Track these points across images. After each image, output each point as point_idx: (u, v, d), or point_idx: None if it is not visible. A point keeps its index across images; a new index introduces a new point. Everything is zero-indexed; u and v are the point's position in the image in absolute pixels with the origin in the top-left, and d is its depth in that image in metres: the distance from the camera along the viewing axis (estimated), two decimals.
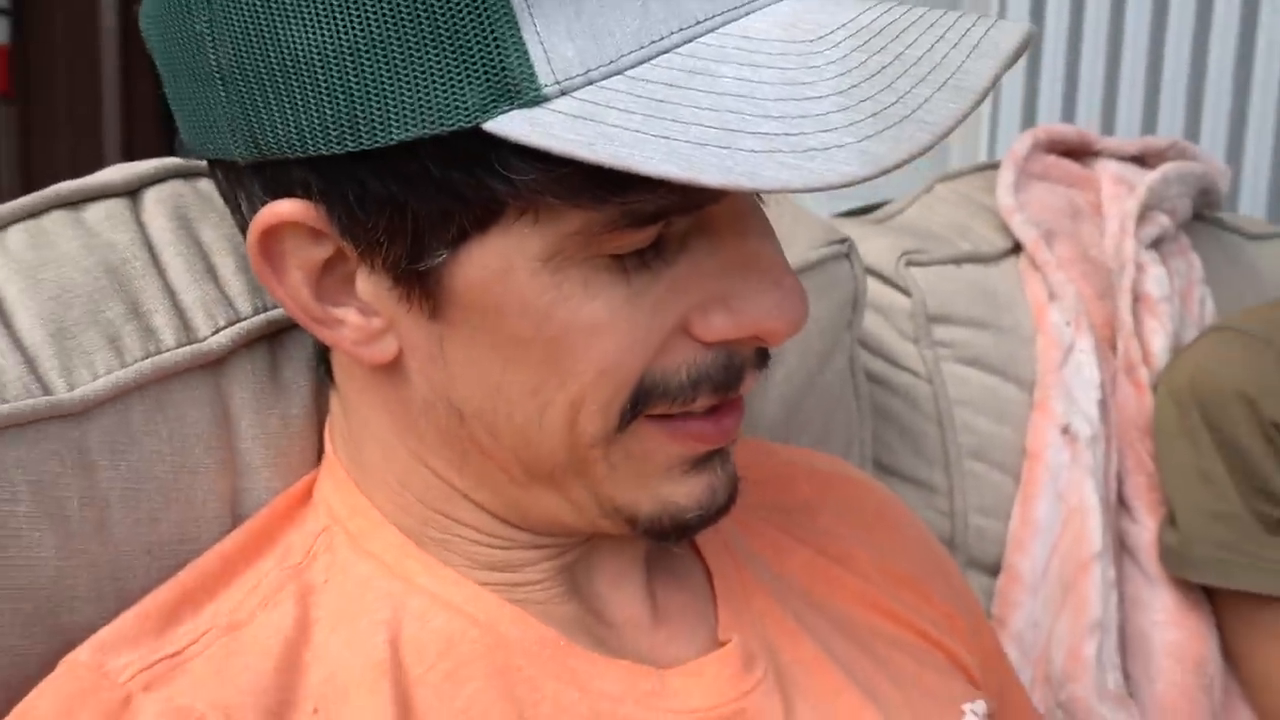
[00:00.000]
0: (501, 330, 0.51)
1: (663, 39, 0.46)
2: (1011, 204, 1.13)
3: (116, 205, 0.64)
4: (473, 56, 0.46)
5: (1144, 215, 1.15)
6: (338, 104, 0.48)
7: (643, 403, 0.52)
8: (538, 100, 0.46)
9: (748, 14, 0.48)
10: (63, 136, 3.44)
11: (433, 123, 0.46)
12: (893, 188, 1.23)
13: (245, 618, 0.54)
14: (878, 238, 1.07)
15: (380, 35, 0.46)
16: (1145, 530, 1.07)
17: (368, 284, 0.53)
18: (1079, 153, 1.23)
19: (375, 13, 0.46)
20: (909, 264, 1.06)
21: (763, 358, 0.56)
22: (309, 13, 0.47)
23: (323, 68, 0.47)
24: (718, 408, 0.54)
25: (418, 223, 0.49)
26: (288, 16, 0.47)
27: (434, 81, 0.46)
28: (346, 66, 0.47)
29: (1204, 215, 1.28)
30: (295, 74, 0.48)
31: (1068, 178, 1.20)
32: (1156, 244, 1.16)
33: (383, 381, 0.57)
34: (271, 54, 0.48)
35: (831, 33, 0.47)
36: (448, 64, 0.46)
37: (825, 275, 0.93)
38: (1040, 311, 1.09)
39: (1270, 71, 2.04)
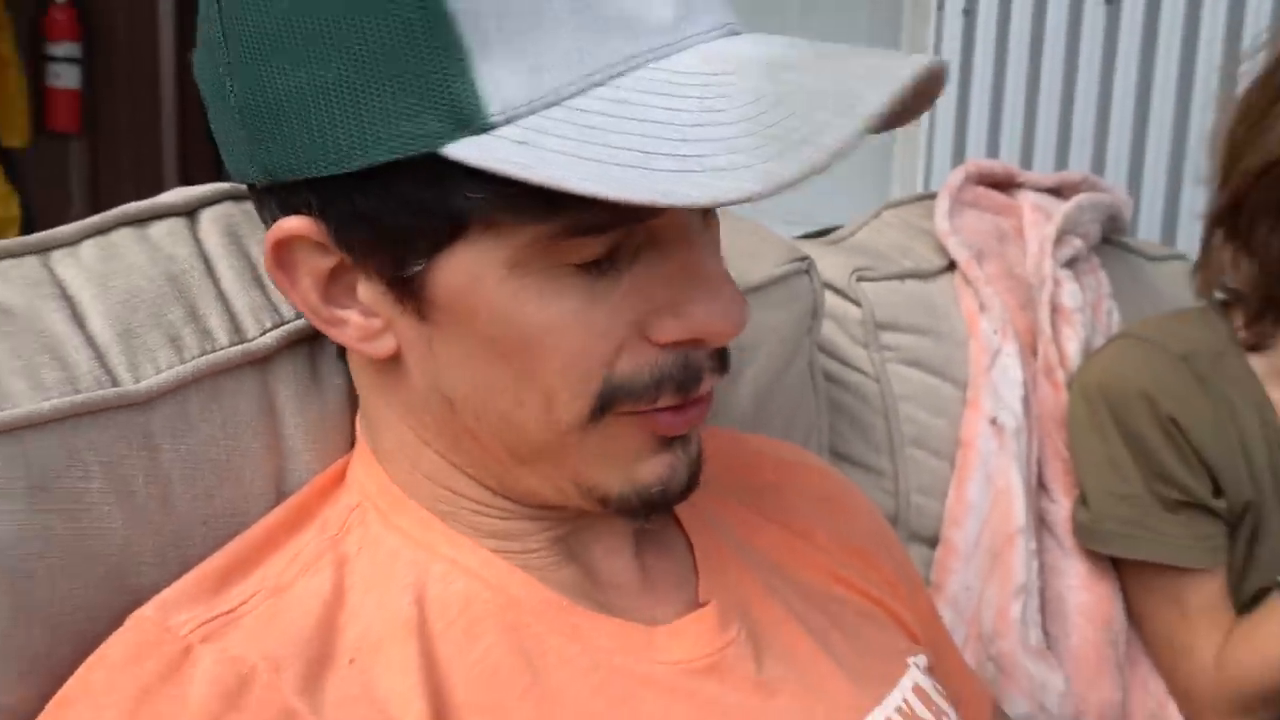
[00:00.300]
0: (478, 331, 0.51)
1: (596, 73, 0.46)
2: (947, 228, 1.13)
3: (176, 223, 0.64)
4: (432, 92, 0.47)
5: (1060, 239, 1.15)
6: (324, 133, 0.49)
7: (611, 403, 0.52)
8: (486, 128, 0.46)
9: (677, 52, 0.48)
10: (127, 168, 3.45)
11: (399, 148, 0.47)
12: (845, 215, 1.23)
13: (288, 582, 0.54)
14: (833, 257, 1.07)
15: (355, 76, 0.47)
16: (1061, 509, 1.07)
17: (367, 289, 0.53)
18: (1004, 184, 1.23)
19: (351, 56, 0.47)
20: (860, 279, 1.06)
21: (722, 363, 0.55)
22: (297, 58, 0.48)
23: (311, 103, 0.48)
24: (684, 404, 0.54)
25: (396, 236, 0.50)
26: (281, 62, 0.49)
27: (400, 113, 0.47)
28: (329, 101, 0.48)
29: (1110, 239, 1.29)
30: (290, 109, 0.49)
31: (994, 206, 1.20)
32: (1071, 263, 1.17)
33: (388, 375, 0.57)
34: (269, 93, 0.49)
35: (747, 65, 0.47)
36: (411, 99, 0.47)
37: (789, 288, 0.93)
38: (972, 320, 1.09)
39: (1164, 117, 2.05)
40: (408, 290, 0.52)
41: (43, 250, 0.60)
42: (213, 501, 0.59)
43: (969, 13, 2.24)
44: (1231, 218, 1.02)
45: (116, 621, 0.52)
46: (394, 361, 0.55)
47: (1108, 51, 2.11)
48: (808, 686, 0.61)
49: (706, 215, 0.53)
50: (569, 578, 0.58)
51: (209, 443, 0.59)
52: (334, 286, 0.54)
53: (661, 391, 0.52)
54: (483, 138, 0.46)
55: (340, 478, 0.61)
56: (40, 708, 0.50)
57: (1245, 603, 1.01)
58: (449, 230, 0.49)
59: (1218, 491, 1.00)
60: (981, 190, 1.20)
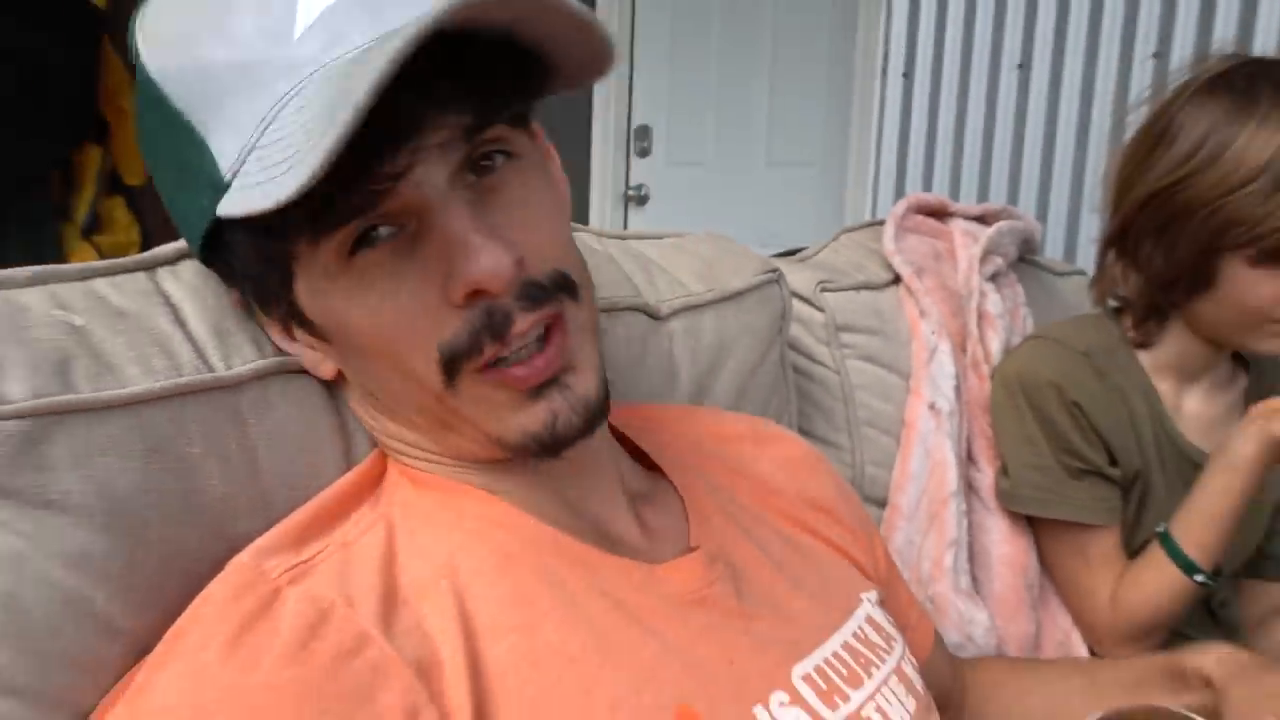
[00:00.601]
0: (347, 338, 0.52)
1: (265, 115, 0.46)
2: (892, 249, 1.12)
3: None
4: (198, 174, 0.49)
5: (984, 258, 1.15)
6: (181, 222, 0.54)
7: (454, 364, 0.50)
8: (225, 187, 0.47)
9: (323, 78, 0.46)
10: None
11: (201, 222, 0.50)
12: (808, 238, 1.22)
13: (353, 540, 0.53)
14: (801, 272, 1.07)
15: (171, 178, 0.52)
16: (986, 477, 1.06)
17: (297, 330, 0.55)
18: (938, 213, 1.22)
19: (165, 165, 0.52)
20: (823, 290, 1.06)
21: (531, 299, 0.50)
22: (155, 172, 0.54)
23: (169, 201, 0.54)
24: (532, 354, 0.51)
25: (256, 282, 0.54)
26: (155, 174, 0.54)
27: (192, 196, 0.50)
28: (171, 200, 0.53)
29: (1025, 258, 1.28)
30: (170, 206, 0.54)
31: (931, 231, 1.19)
32: (993, 278, 1.16)
33: (349, 386, 0.60)
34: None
35: (335, 77, 0.45)
36: (193, 182, 0.49)
37: (763, 295, 0.92)
38: (914, 324, 1.08)
39: (1065, 159, 2.06)
40: (302, 322, 0.54)
41: (150, 267, 0.60)
42: (293, 467, 0.58)
43: (907, 75, 2.24)
44: (1121, 239, 1.01)
45: (217, 563, 0.51)
46: (343, 375, 0.58)
47: (1020, 106, 2.12)
48: (779, 613, 0.61)
49: (469, 179, 0.49)
50: (578, 526, 0.58)
51: (287, 420, 0.58)
52: (285, 333, 0.56)
53: (482, 341, 0.49)
54: (227, 194, 0.47)
55: (384, 457, 0.61)
56: (155, 635, 0.49)
57: (1135, 552, 1.01)
58: (280, 263, 0.50)
59: (1113, 462, 1.00)
60: (920, 218, 1.19)
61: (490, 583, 0.52)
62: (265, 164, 0.45)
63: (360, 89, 0.39)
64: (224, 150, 0.47)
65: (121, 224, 2.46)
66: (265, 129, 0.46)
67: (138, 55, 0.51)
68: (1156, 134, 0.96)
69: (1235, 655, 0.74)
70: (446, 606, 0.50)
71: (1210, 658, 0.74)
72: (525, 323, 0.50)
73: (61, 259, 0.98)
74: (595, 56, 0.51)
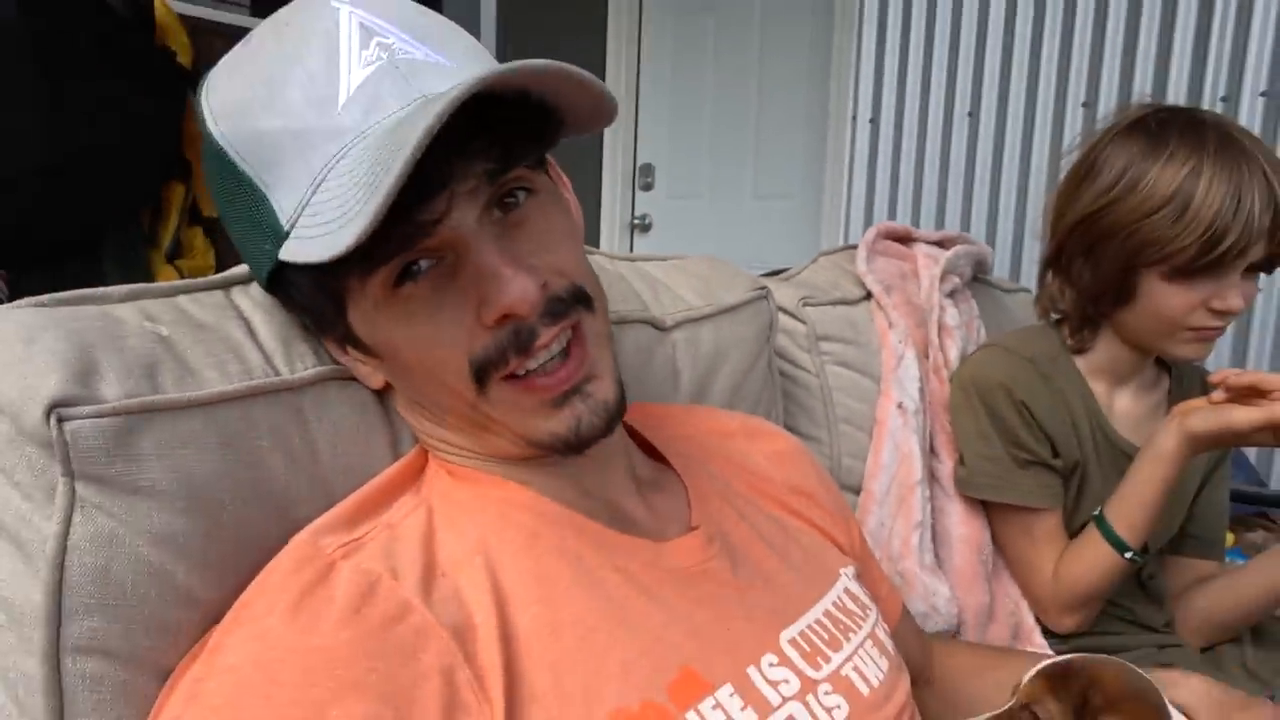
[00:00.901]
0: (393, 355, 0.52)
1: (317, 175, 0.47)
2: (865, 269, 1.11)
3: None
4: (262, 225, 0.49)
5: (944, 277, 1.14)
6: (250, 262, 0.54)
7: (484, 374, 0.50)
8: (287, 235, 0.48)
9: (362, 141, 0.46)
10: None
11: (267, 263, 0.50)
12: (790, 260, 1.22)
13: (397, 522, 0.52)
14: (786, 289, 1.06)
15: (241, 228, 0.51)
16: (946, 467, 1.05)
17: (350, 349, 0.55)
18: (903, 239, 1.22)
19: (236, 216, 0.51)
20: (805, 305, 1.04)
21: (554, 315, 0.50)
22: (227, 220, 0.53)
23: (240, 245, 0.53)
24: (558, 365, 0.51)
25: (313, 311, 0.54)
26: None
27: (259, 242, 0.50)
28: (241, 244, 0.53)
29: (978, 277, 1.27)
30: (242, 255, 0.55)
31: (898, 254, 1.18)
32: (951, 294, 1.15)
33: (396, 392, 0.59)
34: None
35: (383, 137, 0.45)
36: (259, 233, 0.49)
37: (754, 309, 0.91)
38: (884, 334, 1.07)
39: (1010, 191, 2.06)
40: (355, 343, 0.53)
41: (225, 286, 0.60)
42: (349, 458, 0.57)
43: (873, 121, 2.24)
44: (1056, 260, 1.01)
45: (282, 541, 0.51)
46: (390, 385, 0.58)
47: (970, 148, 2.12)
48: (769, 585, 0.60)
49: (495, 215, 0.50)
50: (595, 510, 0.57)
51: (343, 418, 0.58)
52: (340, 349, 0.56)
53: (509, 356, 0.50)
54: (288, 243, 0.48)
55: (426, 452, 0.60)
56: (228, 605, 0.49)
57: (1075, 532, 1.00)
58: (335, 297, 0.50)
59: (1055, 454, 0.99)
60: (888, 243, 1.18)
61: (517, 559, 0.51)
62: (320, 219, 0.45)
63: (399, 159, 0.41)
64: (283, 205, 0.48)
65: (200, 250, 2.47)
66: (318, 187, 0.46)
67: (204, 123, 0.51)
68: (1084, 169, 0.96)
69: (1210, 689, 0.69)
70: (480, 579, 0.49)
71: (1183, 691, 0.69)
72: (548, 336, 0.50)
73: (150, 280, 0.98)
74: (599, 110, 0.51)
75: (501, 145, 0.48)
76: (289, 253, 0.47)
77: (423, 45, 0.49)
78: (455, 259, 0.49)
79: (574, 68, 0.46)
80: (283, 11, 0.50)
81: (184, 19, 1.97)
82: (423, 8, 0.52)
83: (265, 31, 0.50)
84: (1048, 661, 0.55)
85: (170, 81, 1.90)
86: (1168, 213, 0.88)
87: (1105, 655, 0.55)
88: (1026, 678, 0.54)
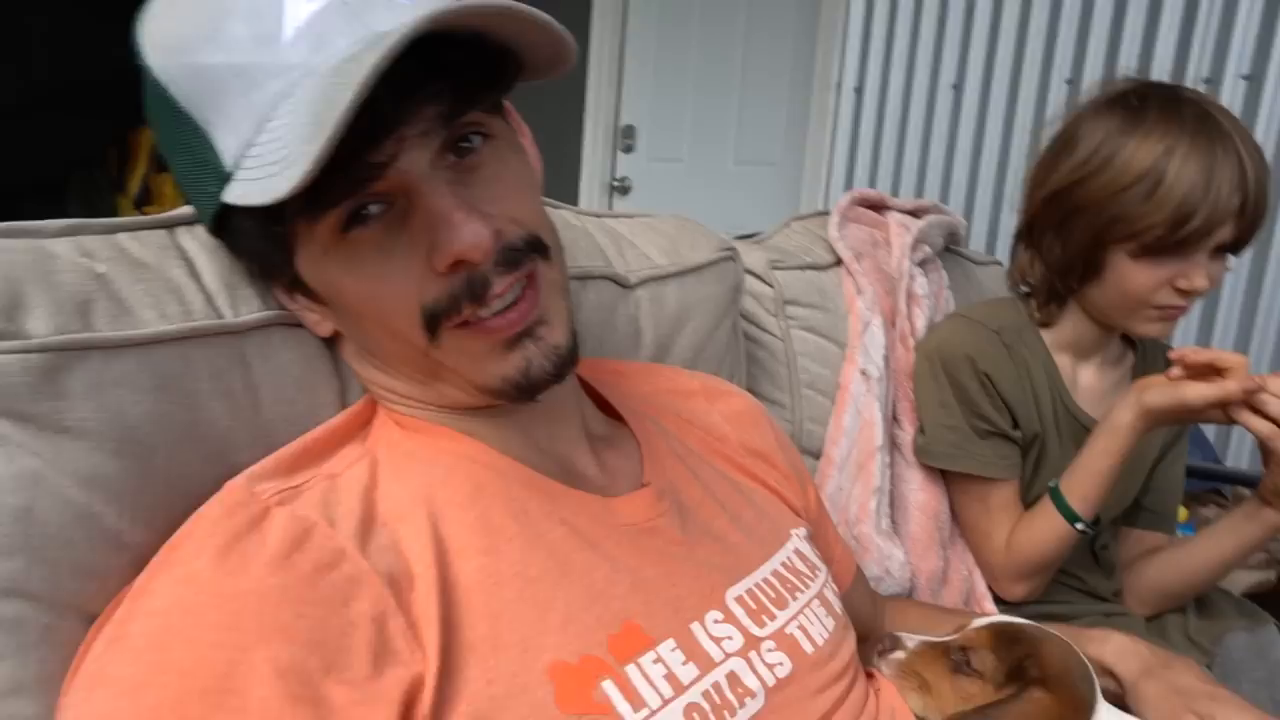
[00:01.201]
0: (342, 301, 0.50)
1: (263, 113, 0.45)
2: (836, 235, 1.10)
3: None
4: (206, 165, 0.47)
5: (915, 246, 1.13)
6: (195, 203, 0.51)
7: (436, 321, 0.48)
8: (229, 177, 0.46)
9: (308, 78, 0.44)
10: None
11: (211, 204, 0.48)
12: (764, 224, 1.20)
13: (339, 472, 0.51)
14: (755, 252, 1.04)
15: (182, 164, 0.49)
16: (907, 435, 1.05)
17: (298, 295, 0.53)
18: (877, 206, 1.20)
19: (176, 150, 0.49)
20: (773, 268, 1.03)
21: (509, 263, 0.49)
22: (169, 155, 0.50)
23: (183, 188, 0.50)
24: (508, 308, 0.50)
25: (261, 256, 0.52)
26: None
27: (203, 182, 0.47)
28: (183, 182, 0.50)
29: (950, 248, 1.26)
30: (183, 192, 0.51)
31: (870, 221, 1.17)
32: (922, 264, 1.14)
33: (346, 341, 0.57)
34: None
35: (330, 75, 0.43)
36: (202, 172, 0.47)
37: (719, 270, 0.90)
38: (851, 300, 1.06)
39: (990, 165, 2.05)
40: (303, 288, 0.52)
41: (170, 226, 0.57)
42: (293, 406, 0.56)
43: (858, 90, 2.22)
44: (1029, 232, 1.01)
45: (219, 486, 0.49)
46: (339, 334, 0.56)
47: (953, 120, 2.11)
48: (719, 543, 0.60)
49: (449, 160, 0.48)
50: (544, 463, 0.56)
51: (288, 364, 0.56)
52: (288, 295, 0.54)
53: (463, 304, 0.48)
54: (230, 185, 0.46)
55: (374, 402, 0.58)
56: (156, 551, 0.47)
57: (1031, 504, 1.00)
58: (281, 241, 0.48)
59: (1015, 425, 0.99)
60: (861, 209, 1.17)
61: (462, 510, 0.50)
62: (263, 161, 0.43)
63: (344, 98, 0.39)
64: (226, 145, 0.46)
65: (170, 197, 2.41)
66: (261, 127, 0.44)
67: (143, 54, 0.48)
68: (1062, 142, 0.95)
69: (1135, 647, 0.71)
70: (422, 530, 0.49)
71: (1109, 647, 0.71)
72: (502, 285, 0.49)
73: None
74: (558, 55, 0.49)
75: (455, 87, 0.46)
76: (232, 195, 0.45)
77: None
78: (406, 204, 0.47)
79: (530, 9, 0.44)
80: None
81: None
82: None
83: None
84: (1001, 618, 0.55)
85: (138, 15, 1.84)
86: (1138, 190, 0.88)
87: (1056, 633, 0.55)
88: (974, 624, 0.54)
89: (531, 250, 0.51)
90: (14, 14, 1.56)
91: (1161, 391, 0.88)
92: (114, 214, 1.98)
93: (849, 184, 2.21)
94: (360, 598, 0.44)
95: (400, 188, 0.46)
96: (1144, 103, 0.90)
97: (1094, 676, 0.52)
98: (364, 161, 0.44)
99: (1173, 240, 0.88)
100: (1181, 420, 0.93)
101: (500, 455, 0.54)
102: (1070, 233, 0.94)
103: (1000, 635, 0.54)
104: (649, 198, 2.84)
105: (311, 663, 0.41)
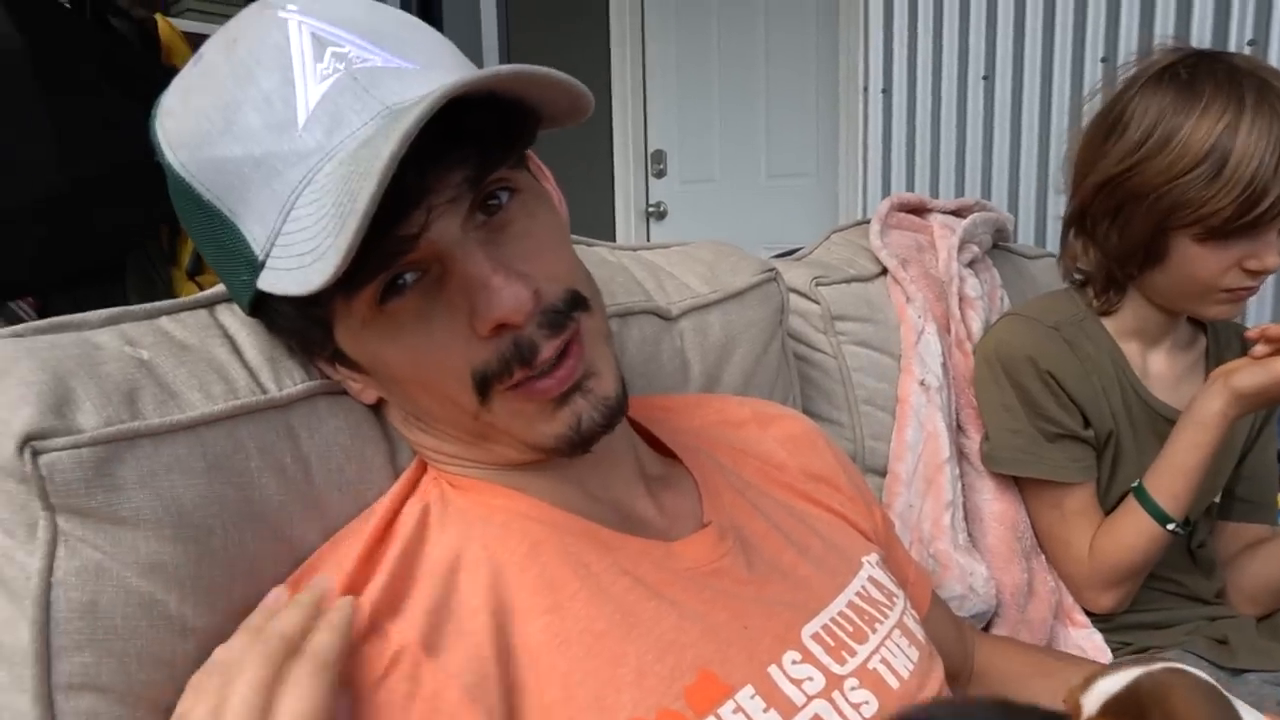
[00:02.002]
0: (386, 371, 0.50)
1: (285, 202, 0.44)
2: (879, 244, 1.08)
3: None
4: (236, 255, 0.47)
5: (962, 247, 1.10)
6: (230, 289, 0.52)
7: (487, 385, 0.48)
8: (261, 266, 0.46)
9: (328, 162, 0.44)
10: None
11: (246, 292, 0.48)
12: (803, 240, 1.18)
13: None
14: (797, 269, 1.03)
15: (213, 253, 0.49)
16: (974, 443, 1.01)
17: (339, 366, 0.53)
18: (918, 210, 1.18)
19: (207, 242, 0.49)
20: (817, 284, 1.01)
21: (553, 326, 0.48)
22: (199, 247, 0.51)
23: (217, 273, 0.51)
24: (555, 366, 0.49)
25: (299, 334, 0.52)
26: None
27: (236, 271, 0.48)
28: (219, 273, 0.51)
29: (999, 245, 1.23)
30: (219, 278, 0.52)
31: (913, 226, 1.14)
32: (971, 264, 1.12)
33: (391, 409, 0.56)
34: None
35: (346, 160, 0.43)
36: (233, 262, 0.47)
37: (763, 292, 0.88)
38: (901, 310, 1.03)
39: (1031, 154, 2.01)
40: (345, 361, 0.52)
41: (209, 304, 0.58)
42: (344, 474, 0.56)
43: (886, 91, 2.20)
44: (1080, 220, 0.97)
45: (276, 561, 0.50)
46: (384, 399, 0.55)
47: (987, 112, 2.08)
48: (788, 579, 0.58)
49: (479, 219, 0.48)
50: (601, 512, 0.55)
51: (336, 433, 0.56)
52: (330, 366, 0.54)
53: (514, 367, 0.48)
54: (263, 273, 0.46)
55: (424, 463, 0.58)
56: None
57: (1111, 506, 0.96)
58: (319, 321, 0.49)
59: (1086, 424, 0.95)
60: (902, 215, 1.15)
61: (521, 570, 0.49)
62: (292, 252, 0.44)
63: (366, 189, 0.39)
64: (254, 234, 0.46)
65: None
66: (287, 216, 0.44)
67: (161, 153, 0.49)
68: (1110, 123, 0.91)
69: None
70: (478, 586, 0.48)
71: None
72: (550, 349, 0.48)
73: (173, 296, 0.97)
74: (576, 106, 0.49)
75: (478, 150, 0.46)
76: (266, 284, 0.46)
77: (380, 50, 0.46)
78: (441, 269, 0.47)
79: (543, 70, 0.44)
80: (231, 25, 0.48)
81: (187, 36, 1.97)
82: (376, 3, 0.49)
83: (214, 50, 0.48)
84: (1110, 690, 0.48)
85: None
86: (1202, 172, 0.83)
87: (1178, 667, 0.48)
88: (1087, 714, 0.47)
89: (573, 309, 0.50)
90: (59, 104, 1.62)
91: (1251, 373, 0.84)
92: (169, 286, 2.04)
93: (886, 188, 2.18)
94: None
95: (433, 255, 0.46)
96: (1195, 75, 0.86)
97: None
98: (395, 236, 0.43)
99: (1242, 222, 0.83)
100: (1276, 401, 0.88)
101: (553, 509, 0.53)
102: (1128, 221, 0.90)
103: (1118, 712, 0.46)
104: (685, 220, 2.84)
105: None
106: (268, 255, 0.45)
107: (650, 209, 2.93)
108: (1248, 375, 0.84)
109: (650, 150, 2.90)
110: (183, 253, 2.33)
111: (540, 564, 0.50)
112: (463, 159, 0.45)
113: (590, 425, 0.51)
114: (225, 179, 0.45)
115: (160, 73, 1.94)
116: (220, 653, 0.45)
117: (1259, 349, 0.84)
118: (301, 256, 0.43)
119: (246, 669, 0.41)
